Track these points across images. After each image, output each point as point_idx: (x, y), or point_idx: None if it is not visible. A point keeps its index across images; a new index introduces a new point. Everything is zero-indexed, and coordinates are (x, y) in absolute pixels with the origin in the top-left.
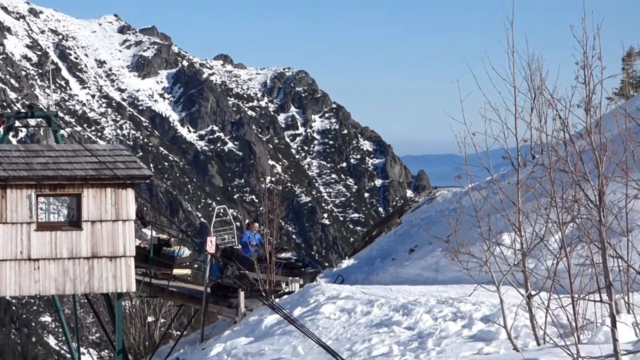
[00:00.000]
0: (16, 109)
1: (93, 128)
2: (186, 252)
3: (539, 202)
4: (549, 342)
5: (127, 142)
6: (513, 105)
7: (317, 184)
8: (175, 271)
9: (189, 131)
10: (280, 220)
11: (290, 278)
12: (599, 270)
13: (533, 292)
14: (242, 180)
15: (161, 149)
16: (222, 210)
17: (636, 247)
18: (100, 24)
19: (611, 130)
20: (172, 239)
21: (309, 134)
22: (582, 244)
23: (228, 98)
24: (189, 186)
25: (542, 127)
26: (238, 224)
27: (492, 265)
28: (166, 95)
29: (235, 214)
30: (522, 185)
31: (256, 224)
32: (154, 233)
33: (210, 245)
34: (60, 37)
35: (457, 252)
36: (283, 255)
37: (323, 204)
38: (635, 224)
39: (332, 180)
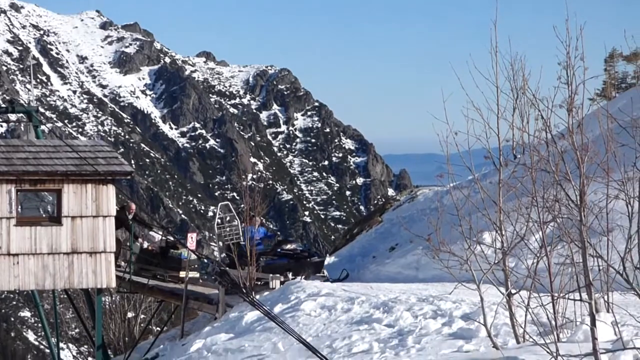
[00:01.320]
0: None
1: (74, 124)
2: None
3: (520, 202)
4: (528, 340)
5: (109, 138)
6: (495, 105)
7: (298, 182)
8: (183, 274)
9: (171, 128)
10: (262, 218)
11: (271, 275)
12: (579, 269)
13: (513, 291)
14: (224, 178)
15: (142, 145)
16: (226, 206)
17: (616, 246)
18: (82, 20)
19: (593, 130)
20: (180, 242)
21: (291, 132)
22: (563, 243)
23: (210, 95)
24: (170, 183)
25: (524, 127)
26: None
27: (473, 263)
28: (148, 92)
29: (216, 211)
30: (503, 184)
31: (257, 219)
32: (158, 236)
33: (191, 242)
34: (42, 32)
35: (437, 250)
36: (289, 246)
37: (304, 202)
38: (615, 224)
39: (314, 178)
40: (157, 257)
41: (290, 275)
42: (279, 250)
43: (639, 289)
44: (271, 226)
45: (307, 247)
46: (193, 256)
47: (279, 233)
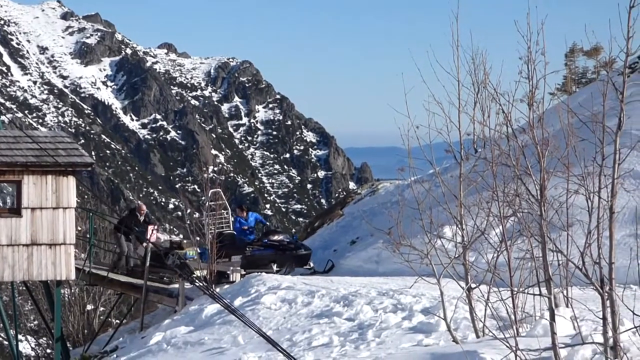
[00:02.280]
0: None
1: (34, 115)
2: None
3: (480, 196)
4: (488, 334)
5: (69, 129)
6: (457, 99)
7: (260, 175)
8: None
9: (132, 119)
10: (223, 211)
11: (232, 268)
12: (538, 264)
13: (473, 285)
14: (185, 170)
15: (103, 136)
16: (215, 194)
17: (576, 241)
18: (43, 10)
19: (553, 125)
20: (185, 242)
21: (252, 124)
22: (523, 237)
23: (171, 87)
24: (131, 175)
25: (485, 121)
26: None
27: (433, 257)
28: (109, 83)
29: (177, 203)
30: (464, 178)
31: (244, 207)
32: (165, 237)
33: (152, 234)
34: (2, 22)
35: (398, 244)
36: (276, 237)
37: (266, 195)
38: (575, 219)
39: (275, 171)
40: (162, 256)
41: (274, 267)
42: (265, 240)
43: (597, 283)
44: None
45: (296, 238)
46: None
47: (268, 224)
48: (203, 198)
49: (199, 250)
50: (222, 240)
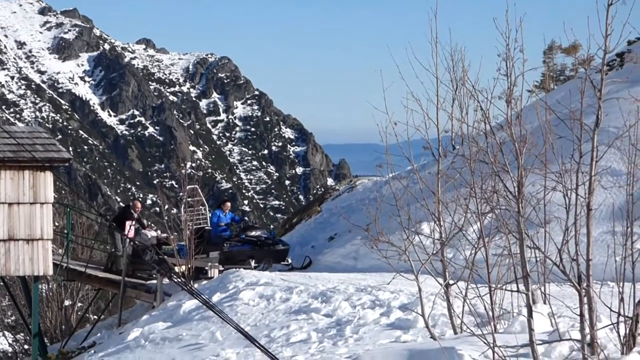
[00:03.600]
0: None
1: (12, 110)
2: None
3: (458, 193)
4: (466, 331)
5: (46, 124)
6: (435, 95)
7: (238, 171)
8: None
9: (110, 115)
10: (201, 207)
11: (210, 264)
12: (516, 260)
13: (451, 282)
14: (162, 166)
15: (81, 132)
16: (193, 190)
17: (553, 238)
18: (21, 5)
19: (531, 122)
20: (172, 237)
21: (230, 120)
22: (501, 234)
23: (150, 83)
24: (109, 170)
25: (463, 118)
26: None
27: (411, 254)
28: (87, 79)
29: (155, 199)
30: (442, 175)
31: (228, 204)
32: (153, 233)
33: (129, 230)
34: None
35: (376, 240)
36: (254, 233)
37: (244, 191)
38: (552, 216)
39: (253, 167)
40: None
41: (252, 263)
42: (242, 236)
43: (575, 280)
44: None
45: (273, 234)
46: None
47: (246, 219)
48: (181, 194)
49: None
50: (201, 236)
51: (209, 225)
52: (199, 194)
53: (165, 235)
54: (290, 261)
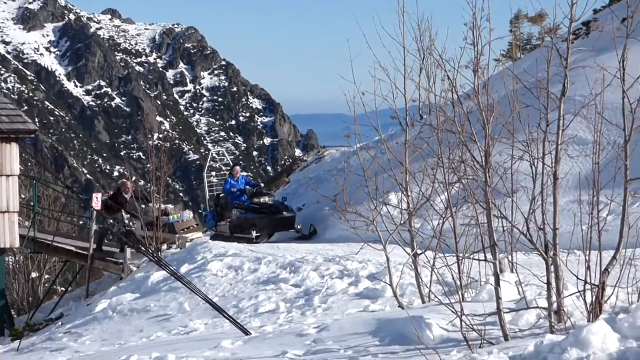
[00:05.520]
0: None
1: None
2: (185, 215)
3: (426, 163)
4: (434, 300)
5: (12, 96)
6: (402, 65)
7: (205, 142)
8: (189, 235)
9: (76, 86)
10: (168, 178)
11: (178, 236)
12: (484, 230)
13: (419, 251)
14: (130, 137)
15: (47, 103)
16: (219, 154)
17: (520, 208)
18: None
19: (498, 91)
20: (171, 207)
21: (198, 91)
22: (468, 204)
23: (116, 53)
24: (75, 142)
25: (431, 87)
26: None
27: (379, 224)
28: (52, 49)
29: (122, 170)
30: (409, 145)
31: (237, 168)
32: (163, 206)
33: (96, 202)
34: None
35: (344, 211)
36: (260, 200)
37: (212, 162)
38: (520, 185)
39: (221, 138)
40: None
41: (254, 234)
42: (247, 203)
43: (542, 249)
44: (177, 186)
45: (283, 200)
46: (185, 217)
47: (262, 185)
48: (149, 165)
49: (201, 213)
50: (219, 204)
51: (224, 192)
52: (226, 157)
53: (165, 207)
54: (299, 227)
